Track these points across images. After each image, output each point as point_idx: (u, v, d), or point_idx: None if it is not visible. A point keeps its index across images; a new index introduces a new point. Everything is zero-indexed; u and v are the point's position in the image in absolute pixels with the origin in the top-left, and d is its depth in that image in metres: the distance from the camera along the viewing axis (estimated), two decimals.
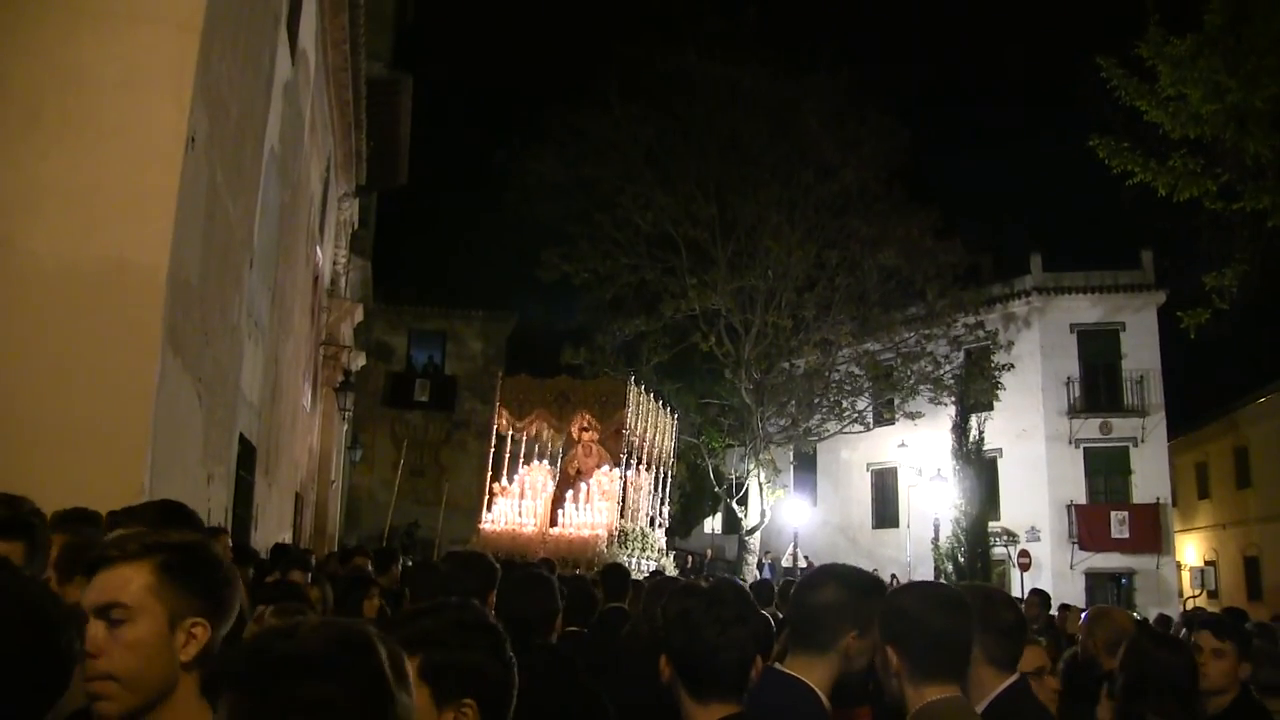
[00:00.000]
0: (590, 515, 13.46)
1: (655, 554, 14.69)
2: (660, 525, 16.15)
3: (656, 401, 16.36)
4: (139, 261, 5.58)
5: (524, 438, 15.15)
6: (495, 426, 15.04)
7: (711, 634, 2.31)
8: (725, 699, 2.32)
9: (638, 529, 14.57)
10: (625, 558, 12.98)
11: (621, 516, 14.06)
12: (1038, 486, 28.97)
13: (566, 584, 4.91)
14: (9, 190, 5.50)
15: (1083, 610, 10.88)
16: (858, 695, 3.12)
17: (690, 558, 29.23)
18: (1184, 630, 5.24)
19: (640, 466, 15.34)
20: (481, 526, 13.97)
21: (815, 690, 2.71)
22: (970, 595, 3.03)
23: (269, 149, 9.34)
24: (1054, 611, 10.08)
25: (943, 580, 22.40)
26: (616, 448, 14.72)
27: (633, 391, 14.60)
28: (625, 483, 14.40)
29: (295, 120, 11.32)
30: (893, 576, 25.52)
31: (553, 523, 13.72)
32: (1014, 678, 2.94)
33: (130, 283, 5.56)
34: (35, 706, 1.64)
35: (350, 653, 1.24)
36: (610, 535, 13.29)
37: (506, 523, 13.79)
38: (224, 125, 6.95)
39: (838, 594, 2.75)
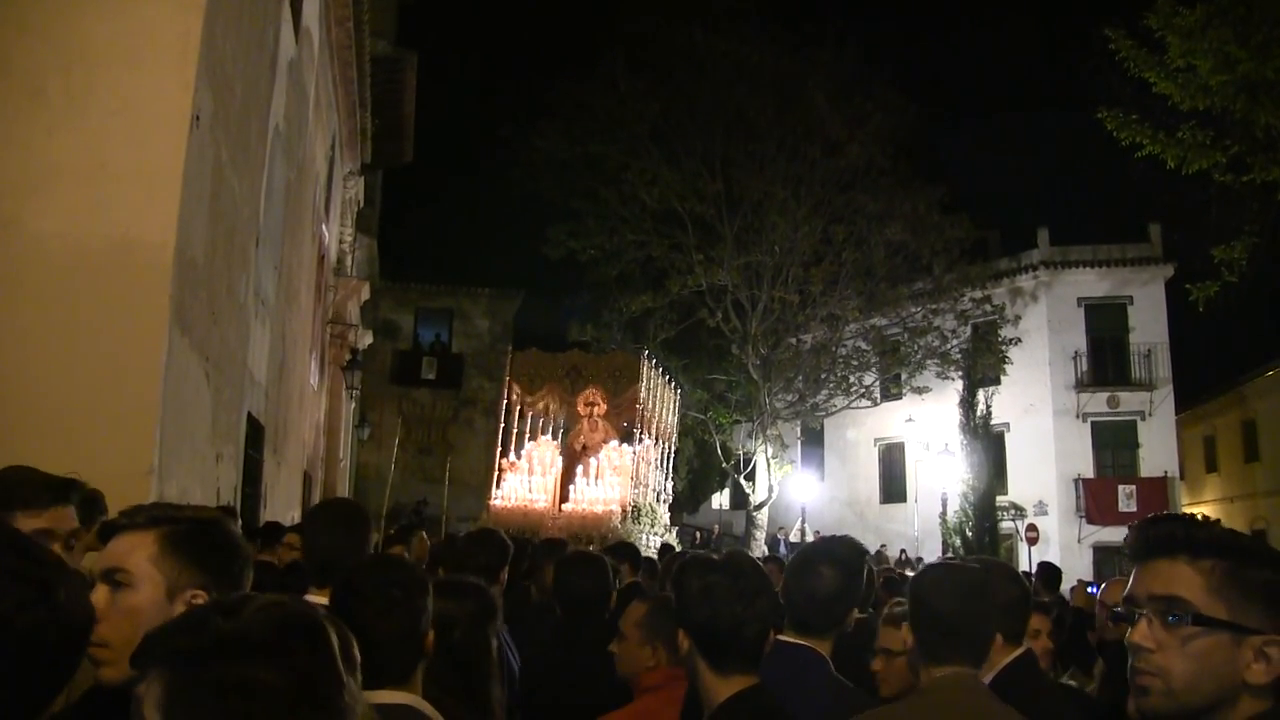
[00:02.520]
0: (603, 491, 13.45)
1: (660, 529, 14.71)
2: (664, 500, 16.16)
3: (663, 376, 16.37)
4: (145, 240, 5.57)
5: (530, 413, 15.13)
6: (505, 401, 15.00)
7: (736, 607, 2.32)
8: (746, 671, 2.33)
9: (648, 504, 14.59)
10: (639, 533, 13.02)
11: (634, 492, 14.06)
12: (1045, 460, 28.97)
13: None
14: (14, 170, 5.49)
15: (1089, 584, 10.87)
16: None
17: (699, 533, 29.32)
18: None
19: (649, 441, 15.34)
20: (491, 503, 13.94)
21: (824, 657, 2.74)
22: None
23: (274, 127, 9.31)
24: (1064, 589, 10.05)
25: (950, 555, 22.42)
26: (621, 422, 14.71)
27: (645, 366, 14.59)
28: (635, 458, 14.40)
29: (300, 98, 11.28)
30: (901, 551, 25.61)
31: (563, 498, 13.72)
32: (1020, 650, 2.95)
33: (137, 262, 5.55)
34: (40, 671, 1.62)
35: (297, 636, 1.16)
36: (624, 510, 13.29)
37: (517, 499, 13.77)
38: (229, 103, 6.92)
39: (834, 580, 2.82)
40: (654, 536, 13.83)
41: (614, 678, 3.20)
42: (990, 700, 2.33)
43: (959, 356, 27.58)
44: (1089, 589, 10.60)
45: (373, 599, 2.22)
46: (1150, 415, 28.68)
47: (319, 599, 2.66)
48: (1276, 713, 1.48)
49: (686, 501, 32.36)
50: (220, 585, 1.87)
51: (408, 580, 2.34)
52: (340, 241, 19.08)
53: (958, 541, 25.26)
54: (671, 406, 16.67)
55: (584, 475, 13.61)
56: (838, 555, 2.93)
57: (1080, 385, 29.10)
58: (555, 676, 3.73)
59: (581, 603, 3.90)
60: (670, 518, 16.64)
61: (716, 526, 32.02)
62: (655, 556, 9.73)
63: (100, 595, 1.77)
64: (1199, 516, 1.64)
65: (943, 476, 27.06)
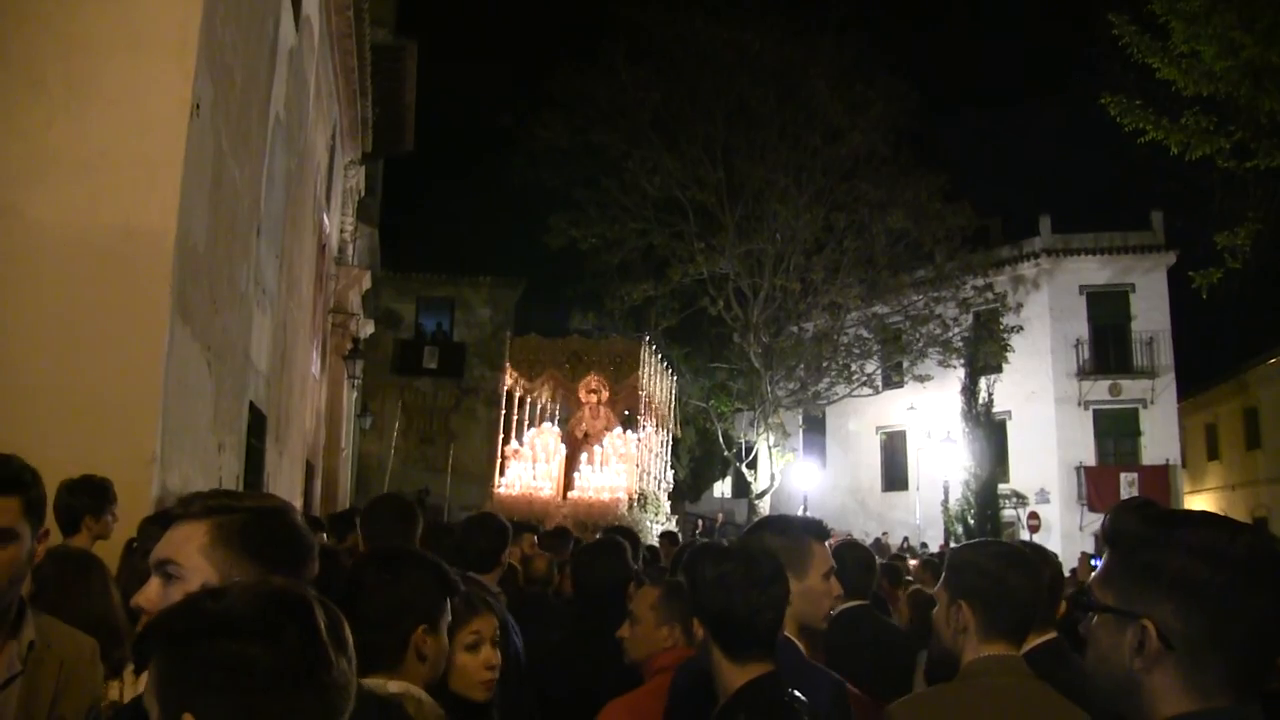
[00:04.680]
0: (609, 478, 13.41)
1: (663, 517, 14.69)
2: (665, 488, 16.12)
3: (662, 364, 16.33)
4: (146, 229, 5.56)
5: (530, 400, 15.05)
6: (505, 387, 14.92)
7: (751, 595, 2.32)
8: (762, 658, 2.34)
9: (652, 492, 14.55)
10: (645, 521, 13.00)
11: (639, 480, 14.03)
12: (1047, 448, 28.96)
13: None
14: (14, 159, 5.47)
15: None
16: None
17: (701, 521, 29.33)
18: None
19: (651, 429, 15.30)
20: (496, 491, 13.88)
21: (791, 639, 2.74)
22: None
23: (274, 116, 9.28)
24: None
25: (953, 544, 22.42)
26: (622, 409, 14.66)
27: (646, 351, 14.52)
28: (640, 445, 14.35)
29: (300, 87, 11.24)
30: (904, 539, 25.62)
31: (568, 486, 13.67)
32: (1047, 636, 2.93)
33: (138, 251, 5.54)
34: None
35: (282, 614, 1.21)
36: (630, 498, 13.26)
37: (521, 487, 13.70)
38: (229, 92, 6.89)
39: (772, 543, 2.77)
40: (657, 525, 13.81)
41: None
42: (1036, 684, 2.30)
43: (961, 344, 27.57)
44: (1091, 560, 10.56)
45: (349, 582, 2.22)
46: (1152, 403, 28.67)
47: None
48: (1228, 711, 1.39)
49: (689, 490, 32.35)
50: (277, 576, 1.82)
51: (380, 564, 2.33)
52: (341, 231, 19.05)
53: (960, 529, 25.27)
54: (671, 393, 16.63)
55: (589, 463, 13.56)
56: (776, 522, 2.96)
57: (1082, 373, 29.08)
58: (574, 664, 3.71)
59: (601, 590, 3.89)
60: (671, 506, 16.61)
61: (720, 515, 32.03)
62: (657, 544, 9.73)
63: (153, 588, 1.74)
64: (1144, 502, 1.61)
65: (944, 464, 27.07)
